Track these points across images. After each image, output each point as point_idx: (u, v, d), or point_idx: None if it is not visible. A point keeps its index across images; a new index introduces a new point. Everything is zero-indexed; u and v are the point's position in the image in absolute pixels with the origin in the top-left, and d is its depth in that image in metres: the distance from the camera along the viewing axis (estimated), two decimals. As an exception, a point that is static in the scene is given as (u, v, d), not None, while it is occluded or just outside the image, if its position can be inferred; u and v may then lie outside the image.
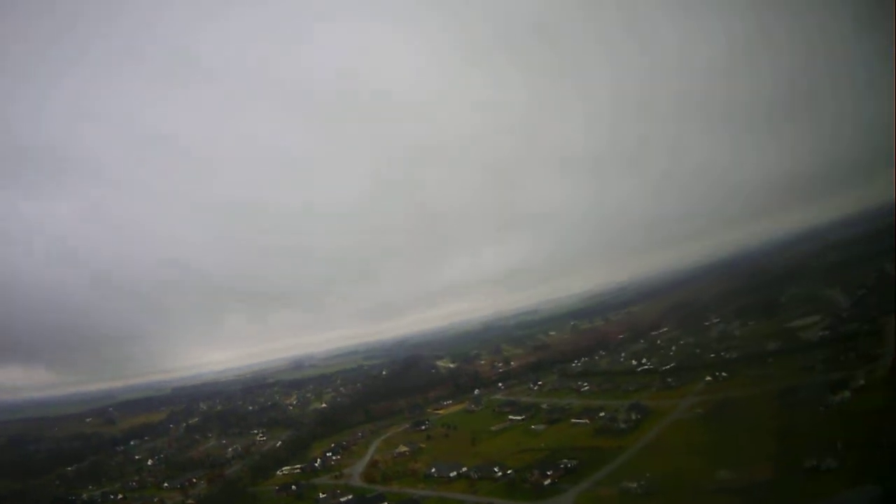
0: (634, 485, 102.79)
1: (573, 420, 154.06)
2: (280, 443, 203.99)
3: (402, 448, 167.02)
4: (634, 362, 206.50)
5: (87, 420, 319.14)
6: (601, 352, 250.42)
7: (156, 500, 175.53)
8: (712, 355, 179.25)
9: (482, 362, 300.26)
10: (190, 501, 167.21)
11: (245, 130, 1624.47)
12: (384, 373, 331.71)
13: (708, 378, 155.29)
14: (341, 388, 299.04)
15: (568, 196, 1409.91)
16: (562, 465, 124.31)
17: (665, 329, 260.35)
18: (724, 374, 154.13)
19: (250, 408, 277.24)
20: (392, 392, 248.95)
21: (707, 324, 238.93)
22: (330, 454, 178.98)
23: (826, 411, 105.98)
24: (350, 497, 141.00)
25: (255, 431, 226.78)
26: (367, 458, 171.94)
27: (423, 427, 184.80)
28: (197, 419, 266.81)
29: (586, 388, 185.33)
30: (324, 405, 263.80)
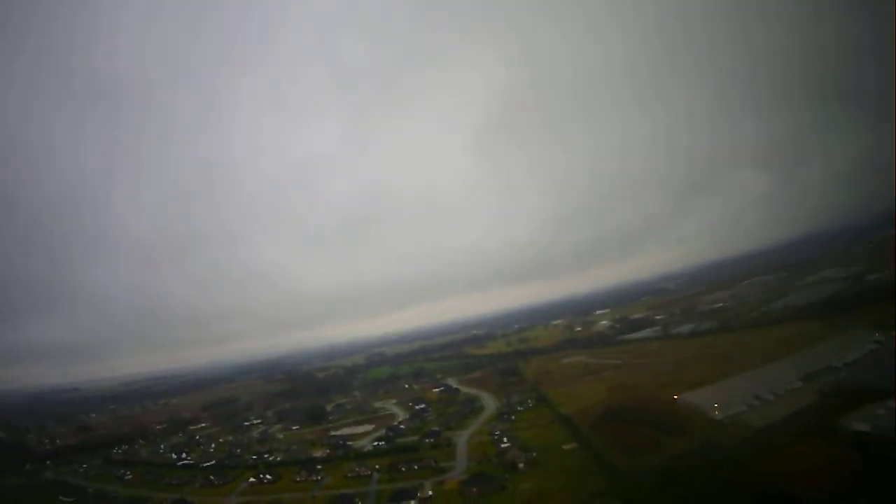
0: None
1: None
2: None
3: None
4: (175, 455, 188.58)
5: None
6: (141, 441, 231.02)
7: None
8: (254, 456, 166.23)
9: (31, 436, 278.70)
10: None
11: None
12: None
13: (252, 479, 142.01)
14: None
15: (109, 279, 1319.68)
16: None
17: (204, 424, 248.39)
18: (269, 476, 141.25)
19: None
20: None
21: (247, 424, 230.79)
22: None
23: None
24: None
25: None
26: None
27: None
28: None
29: (129, 476, 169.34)
30: None
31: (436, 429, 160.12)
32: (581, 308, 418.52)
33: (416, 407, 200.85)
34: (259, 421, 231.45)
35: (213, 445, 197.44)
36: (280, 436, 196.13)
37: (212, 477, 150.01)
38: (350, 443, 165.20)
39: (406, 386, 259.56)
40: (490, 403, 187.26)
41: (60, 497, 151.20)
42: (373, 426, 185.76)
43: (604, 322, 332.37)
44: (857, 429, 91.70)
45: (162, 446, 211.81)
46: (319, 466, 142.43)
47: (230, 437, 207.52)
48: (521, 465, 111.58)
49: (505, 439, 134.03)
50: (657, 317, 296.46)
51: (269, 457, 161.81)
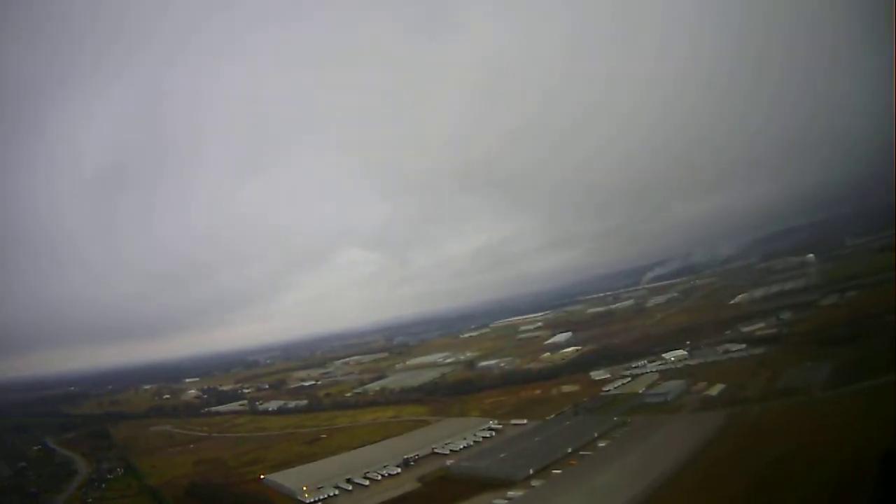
0: None
1: None
2: None
3: None
4: None
5: None
6: None
7: None
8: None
9: None
10: None
11: None
12: None
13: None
14: None
15: None
16: None
17: None
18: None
19: None
20: None
21: None
22: None
23: None
24: None
25: None
26: None
27: None
28: None
29: None
30: None
31: (34, 490, 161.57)
32: (171, 374, 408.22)
33: (19, 465, 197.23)
34: None
35: None
36: None
37: None
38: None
39: (9, 441, 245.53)
40: (83, 468, 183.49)
41: None
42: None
43: (192, 391, 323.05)
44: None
45: None
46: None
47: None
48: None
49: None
50: (245, 390, 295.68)
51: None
